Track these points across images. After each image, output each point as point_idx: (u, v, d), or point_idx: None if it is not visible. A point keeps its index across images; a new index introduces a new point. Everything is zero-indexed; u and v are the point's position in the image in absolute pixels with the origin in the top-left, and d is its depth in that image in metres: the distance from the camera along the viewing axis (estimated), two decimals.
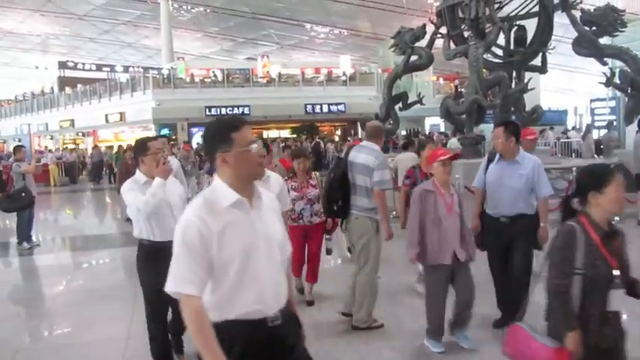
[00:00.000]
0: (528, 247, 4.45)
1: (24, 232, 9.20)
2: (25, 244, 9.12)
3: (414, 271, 5.87)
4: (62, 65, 46.86)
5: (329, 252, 5.85)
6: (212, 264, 1.95)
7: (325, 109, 29.48)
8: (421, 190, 4.20)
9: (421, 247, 4.14)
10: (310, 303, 5.48)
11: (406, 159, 9.14)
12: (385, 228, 4.72)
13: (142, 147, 3.85)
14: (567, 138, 19.83)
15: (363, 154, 4.68)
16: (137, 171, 3.87)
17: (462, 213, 4.19)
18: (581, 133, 20.20)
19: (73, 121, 34.54)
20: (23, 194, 9.00)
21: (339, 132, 33.53)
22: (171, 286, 1.94)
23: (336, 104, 29.34)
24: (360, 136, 25.63)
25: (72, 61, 48.45)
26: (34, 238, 9.42)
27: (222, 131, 2.07)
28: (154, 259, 3.67)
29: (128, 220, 6.56)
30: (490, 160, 4.73)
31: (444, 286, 4.18)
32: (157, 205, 3.64)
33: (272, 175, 4.53)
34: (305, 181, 5.50)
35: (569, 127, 26.58)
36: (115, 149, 23.98)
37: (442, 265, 4.08)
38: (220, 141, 2.05)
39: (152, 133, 28.78)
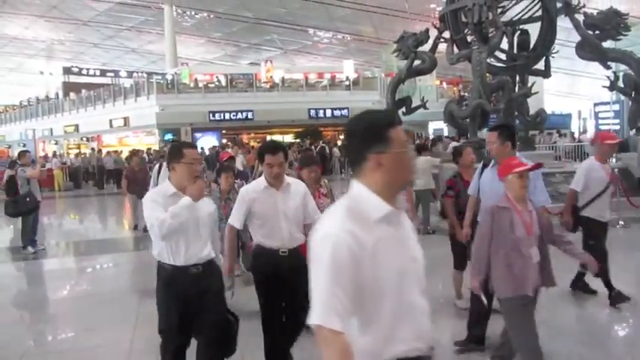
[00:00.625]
0: None
1: (29, 237, 9.23)
2: (30, 249, 9.14)
3: (448, 282, 5.44)
4: (67, 71, 47.10)
5: None
6: (362, 292, 1.58)
7: (328, 113, 29.51)
8: (494, 207, 3.51)
9: (493, 276, 3.47)
10: None
11: (420, 163, 9.13)
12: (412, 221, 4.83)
13: (176, 153, 3.29)
14: (579, 142, 19.82)
15: None
16: (166, 180, 3.40)
17: (542, 234, 3.50)
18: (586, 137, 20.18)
19: (77, 126, 34.68)
20: (28, 199, 9.04)
21: (342, 136, 33.51)
22: (315, 318, 1.54)
23: (340, 109, 29.36)
24: None
25: (76, 67, 48.68)
26: (38, 243, 9.44)
27: (378, 128, 1.70)
28: (175, 285, 3.23)
29: (146, 230, 6.41)
30: (485, 166, 4.66)
31: (532, 317, 3.42)
32: (176, 228, 3.13)
33: (293, 181, 3.92)
34: (315, 190, 4.87)
35: (574, 130, 26.57)
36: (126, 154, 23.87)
37: (525, 297, 3.35)
38: (375, 139, 1.68)
39: (156, 138, 28.93)
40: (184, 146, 3.35)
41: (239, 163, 15.33)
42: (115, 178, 22.97)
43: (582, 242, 5.25)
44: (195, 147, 3.64)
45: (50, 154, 29.83)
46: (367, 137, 1.70)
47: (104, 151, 26.98)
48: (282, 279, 3.58)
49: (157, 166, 6.78)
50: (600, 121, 21.83)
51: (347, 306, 1.54)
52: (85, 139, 37.22)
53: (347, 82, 31.15)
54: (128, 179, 10.89)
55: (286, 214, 3.65)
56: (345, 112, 29.25)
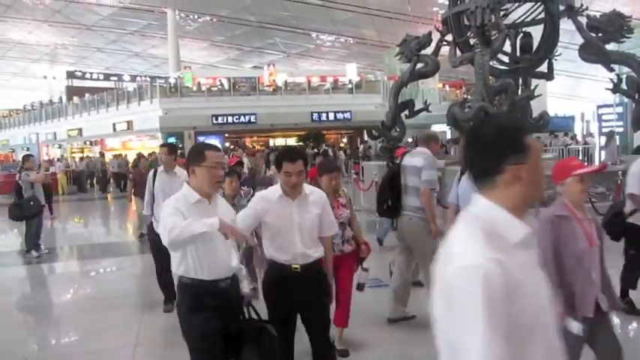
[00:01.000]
0: None
1: (32, 241, 9.27)
2: (34, 253, 9.18)
3: None
4: (70, 75, 47.26)
5: (360, 288, 4.63)
6: (512, 333, 1.29)
7: (331, 116, 29.54)
8: (552, 216, 3.02)
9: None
10: (344, 353, 4.37)
11: None
12: (432, 226, 4.90)
13: (196, 155, 2.97)
14: (585, 144, 19.79)
15: (415, 158, 5.08)
16: (185, 185, 3.07)
17: (602, 246, 3.07)
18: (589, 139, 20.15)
19: (80, 130, 34.78)
20: (32, 203, 9.09)
21: (345, 140, 33.55)
22: None
23: (342, 112, 29.39)
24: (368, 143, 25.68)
25: (80, 71, 48.84)
26: (42, 247, 9.47)
27: (514, 135, 1.46)
28: (200, 303, 2.93)
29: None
30: (462, 173, 4.60)
31: (579, 348, 2.99)
32: (184, 242, 2.81)
33: (311, 191, 3.47)
34: (334, 200, 4.30)
35: (576, 133, 26.55)
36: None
37: (585, 319, 2.87)
38: (512, 149, 1.43)
39: (159, 142, 28.98)
40: (206, 148, 3.03)
41: (245, 167, 15.29)
42: (117, 181, 23.05)
43: (624, 251, 5.04)
44: (219, 149, 3.25)
45: (56, 158, 29.91)
46: (503, 146, 1.43)
47: (108, 154, 27.07)
48: (294, 295, 3.28)
49: (152, 172, 5.88)
50: (603, 124, 21.77)
51: (506, 351, 1.25)
52: (88, 142, 37.36)
53: (350, 86, 31.19)
54: (135, 182, 10.43)
55: (301, 226, 3.31)
56: (347, 115, 29.28)
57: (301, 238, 3.31)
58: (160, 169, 5.82)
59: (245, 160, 15.20)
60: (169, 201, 3.01)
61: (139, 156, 13.32)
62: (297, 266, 3.31)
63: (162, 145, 6.39)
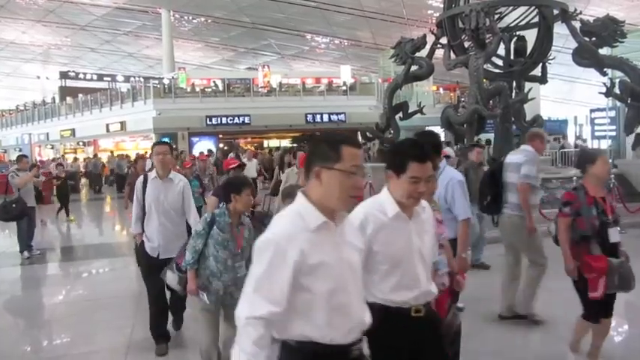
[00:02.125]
0: None
1: (24, 241, 9.26)
2: (26, 254, 9.14)
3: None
4: (63, 75, 46.97)
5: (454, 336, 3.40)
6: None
7: (326, 118, 29.53)
8: None
9: None
10: None
11: None
12: (527, 222, 4.94)
13: (329, 150, 1.91)
14: (576, 147, 19.87)
15: (517, 155, 5.17)
16: (300, 197, 1.99)
17: None
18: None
19: (73, 130, 34.60)
20: (14, 205, 9.10)
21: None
22: None
23: (337, 114, 29.39)
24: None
25: (73, 71, 48.56)
26: (34, 248, 9.43)
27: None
28: None
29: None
30: None
31: None
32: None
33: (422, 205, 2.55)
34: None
35: (570, 136, 26.68)
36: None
37: None
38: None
39: (153, 143, 28.87)
40: (344, 141, 1.95)
41: (253, 170, 13.88)
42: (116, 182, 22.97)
43: None
44: (359, 144, 2.02)
45: (50, 159, 29.76)
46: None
47: (102, 155, 27.00)
48: (413, 350, 2.41)
49: (141, 178, 4.79)
50: (596, 128, 21.86)
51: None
52: (81, 143, 37.16)
53: (344, 88, 31.20)
54: (131, 186, 9.69)
55: (422, 253, 2.44)
56: (342, 117, 29.28)
57: (424, 269, 2.47)
58: (152, 174, 4.74)
59: (253, 162, 14.54)
60: (273, 236, 1.86)
61: (137, 157, 12.74)
62: (421, 308, 2.44)
63: (157, 144, 5.00)
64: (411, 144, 2.49)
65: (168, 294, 4.72)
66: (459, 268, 3.43)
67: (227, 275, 3.75)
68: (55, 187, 14.34)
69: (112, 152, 29.45)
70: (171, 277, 4.04)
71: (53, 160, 27.50)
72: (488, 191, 5.26)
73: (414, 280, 2.41)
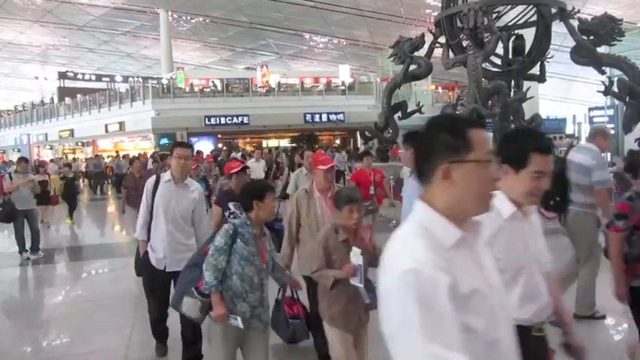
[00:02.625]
0: None
1: (21, 243, 9.29)
2: (23, 254, 9.17)
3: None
4: (62, 75, 46.99)
5: None
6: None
7: (324, 118, 29.57)
8: None
9: None
10: None
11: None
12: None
13: (453, 135, 1.44)
14: (571, 146, 19.89)
15: (580, 154, 5.10)
16: (421, 207, 1.56)
17: None
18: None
19: (72, 130, 34.61)
20: (1, 208, 9.18)
21: (338, 141, 33.58)
22: None
23: (336, 113, 29.43)
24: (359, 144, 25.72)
25: (72, 72, 48.57)
26: (28, 250, 9.38)
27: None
28: None
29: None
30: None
31: None
32: None
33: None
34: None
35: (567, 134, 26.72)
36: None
37: None
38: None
39: (152, 143, 28.90)
40: (469, 125, 1.50)
41: (260, 171, 12.49)
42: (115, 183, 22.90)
43: None
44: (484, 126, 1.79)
45: (49, 159, 29.73)
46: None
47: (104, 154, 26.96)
48: None
49: (152, 180, 4.39)
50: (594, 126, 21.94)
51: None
52: (80, 143, 37.15)
53: (343, 87, 31.23)
54: (128, 189, 9.07)
55: (539, 262, 2.14)
56: (340, 116, 29.32)
57: (542, 277, 2.14)
58: (166, 176, 4.35)
59: (261, 163, 13.20)
60: (411, 264, 1.30)
61: (133, 158, 12.24)
62: (542, 327, 2.11)
63: (179, 145, 4.43)
64: (530, 133, 2.15)
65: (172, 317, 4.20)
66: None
67: (253, 295, 3.22)
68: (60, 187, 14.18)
69: (117, 152, 29.25)
70: (190, 305, 3.28)
71: (52, 160, 27.45)
72: (557, 191, 5.13)
73: (535, 290, 2.06)
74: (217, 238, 3.22)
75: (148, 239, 4.34)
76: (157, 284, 4.34)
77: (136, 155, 13.69)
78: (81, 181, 23.34)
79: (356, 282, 3.06)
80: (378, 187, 7.85)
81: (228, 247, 3.15)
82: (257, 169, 11.98)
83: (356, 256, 3.06)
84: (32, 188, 9.54)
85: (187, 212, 4.31)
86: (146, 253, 4.35)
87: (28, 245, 9.37)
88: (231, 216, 4.62)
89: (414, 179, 3.67)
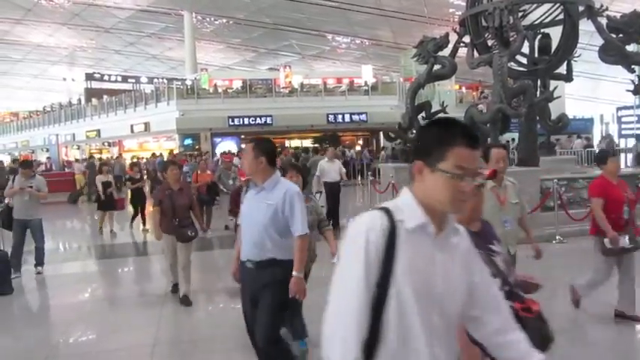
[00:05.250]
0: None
1: (16, 260, 7.81)
2: (17, 274, 7.72)
3: None
4: (89, 77, 47.83)
5: None
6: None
7: (347, 118, 29.50)
8: None
9: None
10: None
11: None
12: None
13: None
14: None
15: None
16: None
17: None
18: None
19: (99, 131, 35.18)
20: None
21: (360, 141, 33.52)
22: None
23: (358, 114, 29.35)
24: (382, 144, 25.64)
25: (98, 73, 49.41)
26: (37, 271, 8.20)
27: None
28: None
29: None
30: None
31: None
32: None
33: None
34: None
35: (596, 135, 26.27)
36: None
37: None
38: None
39: (176, 143, 29.22)
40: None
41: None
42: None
43: None
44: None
45: (74, 159, 30.27)
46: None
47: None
48: None
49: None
50: (623, 126, 21.46)
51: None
52: (106, 143, 37.77)
53: (365, 87, 31.13)
54: (163, 209, 6.03)
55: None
56: (363, 117, 29.23)
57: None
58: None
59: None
60: None
61: (167, 162, 8.89)
62: None
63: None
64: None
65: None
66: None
67: None
68: (129, 190, 12.64)
69: (153, 154, 27.42)
70: None
71: (77, 160, 27.83)
72: None
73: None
74: None
75: None
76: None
77: (171, 158, 11.46)
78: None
79: None
80: (632, 207, 5.03)
81: None
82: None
83: None
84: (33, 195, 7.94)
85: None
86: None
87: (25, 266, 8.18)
88: None
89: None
